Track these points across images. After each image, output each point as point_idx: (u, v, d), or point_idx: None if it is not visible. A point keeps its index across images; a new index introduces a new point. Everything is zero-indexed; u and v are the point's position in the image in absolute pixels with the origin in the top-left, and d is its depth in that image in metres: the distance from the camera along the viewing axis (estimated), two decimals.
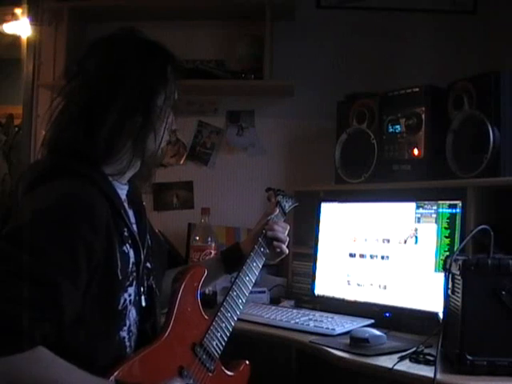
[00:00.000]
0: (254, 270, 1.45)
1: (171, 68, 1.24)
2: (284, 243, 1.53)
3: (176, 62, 1.26)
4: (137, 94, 1.17)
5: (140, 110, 1.17)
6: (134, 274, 1.17)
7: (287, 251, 1.55)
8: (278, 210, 1.61)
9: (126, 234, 1.16)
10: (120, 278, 1.11)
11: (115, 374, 1.07)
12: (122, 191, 1.23)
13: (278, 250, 1.53)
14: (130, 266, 1.16)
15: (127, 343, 1.15)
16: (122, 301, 1.12)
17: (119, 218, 1.15)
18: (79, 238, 1.03)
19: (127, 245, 1.16)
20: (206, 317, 1.31)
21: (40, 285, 0.96)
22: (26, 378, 0.95)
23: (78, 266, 1.02)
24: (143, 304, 1.20)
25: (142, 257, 1.19)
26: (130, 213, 1.25)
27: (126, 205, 1.22)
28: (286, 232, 1.55)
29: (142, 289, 1.20)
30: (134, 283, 1.16)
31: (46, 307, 0.97)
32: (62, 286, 0.98)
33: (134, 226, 1.23)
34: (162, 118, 1.22)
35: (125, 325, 1.14)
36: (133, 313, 1.16)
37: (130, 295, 1.15)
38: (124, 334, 1.14)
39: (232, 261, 1.51)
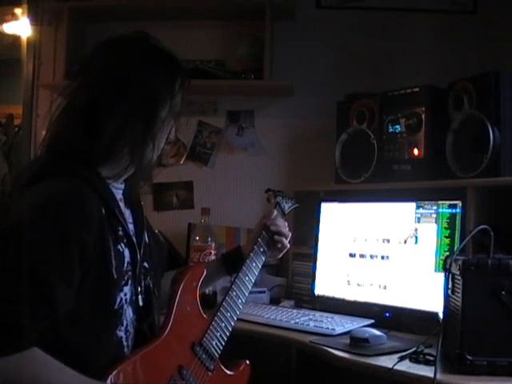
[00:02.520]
0: (253, 270, 1.45)
1: (180, 81, 1.23)
2: (286, 238, 1.54)
3: (186, 75, 1.24)
4: (141, 102, 1.16)
5: (142, 118, 1.16)
6: (130, 273, 1.16)
7: (288, 245, 1.56)
8: (276, 211, 1.61)
9: (120, 233, 1.16)
10: (115, 276, 1.10)
11: (113, 373, 1.07)
12: (118, 191, 1.22)
13: (280, 245, 1.53)
14: (125, 265, 1.15)
15: (125, 343, 1.15)
16: (117, 300, 1.12)
17: (113, 217, 1.15)
18: (71, 235, 1.03)
19: (122, 244, 1.15)
20: (205, 316, 1.31)
21: (33, 283, 0.97)
22: (23, 378, 0.95)
23: (71, 263, 1.02)
24: (140, 304, 1.19)
25: (139, 257, 1.19)
26: (127, 212, 1.24)
27: (121, 204, 1.22)
28: (287, 229, 1.56)
29: (139, 288, 1.19)
30: (130, 282, 1.16)
31: (40, 306, 0.97)
32: (55, 284, 0.99)
33: (131, 226, 1.23)
34: (164, 128, 1.21)
35: (122, 324, 1.14)
36: (129, 312, 1.16)
37: (125, 294, 1.14)
38: (121, 333, 1.14)
39: (232, 262, 1.51)
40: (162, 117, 1.19)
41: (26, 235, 0.99)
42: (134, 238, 1.20)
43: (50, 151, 1.18)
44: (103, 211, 1.11)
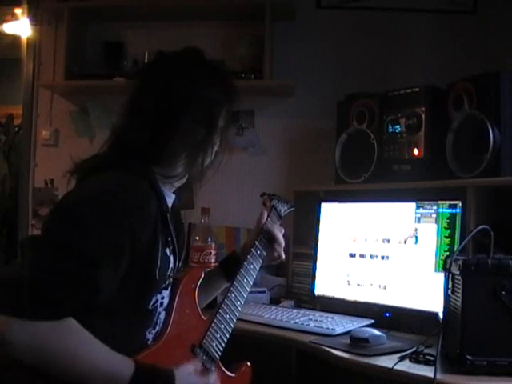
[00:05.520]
0: (251, 272, 1.45)
1: (233, 93, 1.30)
2: (281, 246, 1.52)
3: (236, 88, 1.32)
4: (205, 110, 1.22)
5: (204, 125, 1.22)
6: (171, 279, 1.19)
7: (284, 256, 1.55)
8: (272, 215, 1.59)
9: (169, 239, 1.18)
10: (157, 278, 1.13)
11: None
12: (169, 199, 1.25)
13: (276, 253, 1.52)
14: (169, 270, 1.18)
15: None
16: (153, 300, 1.15)
17: (165, 221, 1.17)
18: (127, 226, 1.06)
19: (169, 249, 1.18)
20: (204, 318, 1.31)
21: (81, 262, 1.00)
22: (55, 346, 0.98)
23: (121, 252, 1.05)
24: None
25: (179, 266, 1.23)
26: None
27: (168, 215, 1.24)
28: (281, 235, 1.55)
29: None
30: (170, 288, 1.19)
31: (83, 285, 1.00)
32: (101, 268, 1.01)
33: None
34: (219, 137, 1.27)
35: (153, 328, 1.16)
36: (163, 317, 1.18)
37: (163, 298, 1.17)
38: (150, 336, 1.16)
39: (231, 268, 1.50)
40: (220, 125, 1.26)
41: (83, 217, 1.03)
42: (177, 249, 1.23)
43: (113, 150, 1.21)
44: (159, 214, 1.14)
